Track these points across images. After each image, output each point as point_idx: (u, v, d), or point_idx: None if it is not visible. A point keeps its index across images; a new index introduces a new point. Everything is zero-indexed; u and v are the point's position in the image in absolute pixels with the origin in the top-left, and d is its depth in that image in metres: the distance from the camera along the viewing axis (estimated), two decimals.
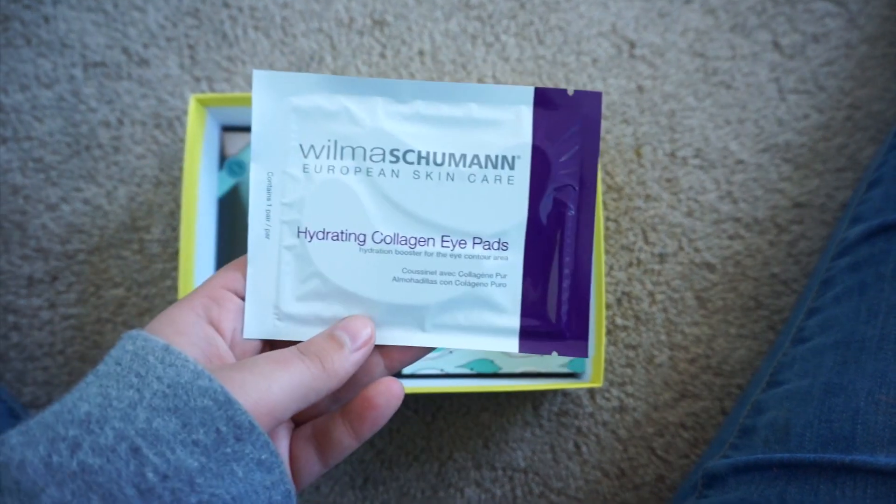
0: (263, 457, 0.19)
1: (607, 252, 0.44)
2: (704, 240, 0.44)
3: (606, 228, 0.44)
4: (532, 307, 0.24)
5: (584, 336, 0.25)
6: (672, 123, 0.45)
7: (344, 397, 0.25)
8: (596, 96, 0.24)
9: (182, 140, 0.45)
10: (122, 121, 0.45)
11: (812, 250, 0.44)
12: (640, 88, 0.46)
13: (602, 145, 0.45)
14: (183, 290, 0.37)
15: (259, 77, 0.24)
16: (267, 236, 0.24)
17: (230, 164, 0.43)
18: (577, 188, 0.24)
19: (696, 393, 0.43)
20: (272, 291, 0.24)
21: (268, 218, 0.24)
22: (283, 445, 0.24)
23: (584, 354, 0.25)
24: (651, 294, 0.44)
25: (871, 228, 0.36)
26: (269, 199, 0.24)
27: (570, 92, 0.24)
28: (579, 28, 0.46)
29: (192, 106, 0.39)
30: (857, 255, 0.36)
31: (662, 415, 0.43)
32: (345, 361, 0.22)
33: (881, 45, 0.46)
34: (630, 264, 0.44)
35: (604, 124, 0.45)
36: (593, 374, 0.38)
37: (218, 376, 0.20)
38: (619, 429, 0.43)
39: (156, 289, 0.44)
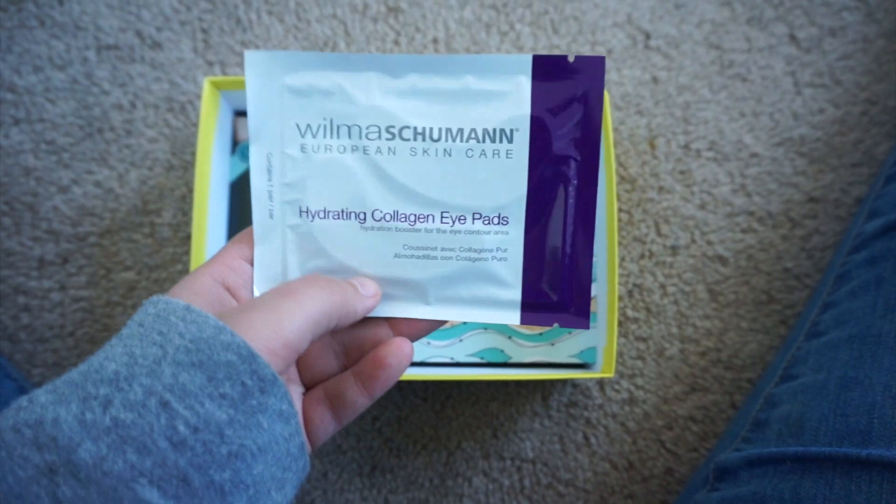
0: (283, 407, 0.20)
1: (619, 244, 0.44)
2: (717, 233, 0.44)
3: (619, 220, 0.44)
4: (533, 280, 0.24)
5: (585, 307, 0.24)
6: (686, 115, 0.45)
7: (352, 362, 0.25)
8: (599, 61, 0.23)
9: (194, 124, 0.44)
10: (135, 104, 0.45)
11: (826, 245, 0.44)
12: (655, 80, 0.45)
13: (615, 136, 0.45)
14: None
15: (251, 58, 0.23)
16: (271, 216, 0.24)
17: (242, 148, 0.43)
18: (578, 160, 0.24)
19: (706, 386, 0.43)
20: (279, 270, 0.24)
21: (270, 198, 0.24)
22: (296, 407, 0.24)
23: (586, 326, 0.25)
24: (663, 286, 0.44)
25: (889, 223, 0.36)
26: (270, 180, 0.24)
27: (571, 58, 0.23)
28: (594, 18, 0.46)
29: (206, 88, 0.38)
30: (873, 249, 0.36)
31: (672, 408, 0.43)
32: (356, 299, 0.23)
33: None
34: (642, 256, 0.44)
35: (618, 115, 0.45)
36: (605, 364, 0.38)
37: (227, 320, 0.20)
38: (629, 421, 0.43)
39: (166, 273, 0.44)
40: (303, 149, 0.24)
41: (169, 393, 0.18)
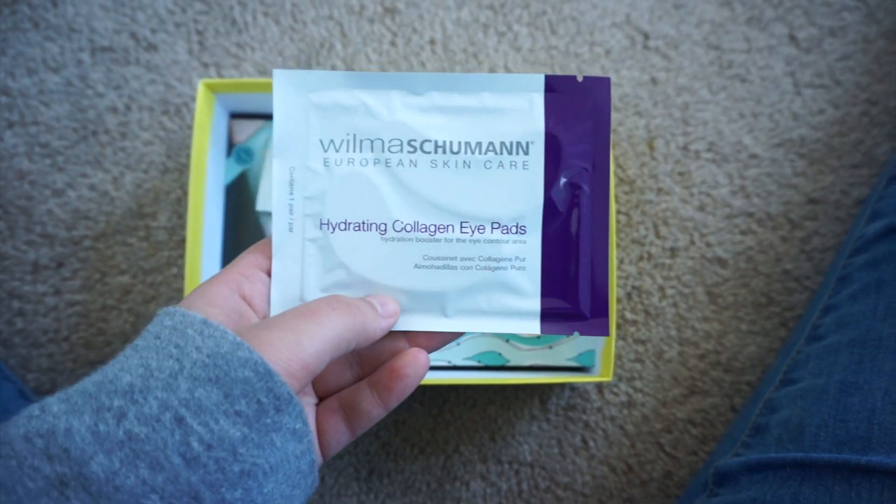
0: (297, 426, 0.20)
1: (618, 246, 0.44)
2: (716, 234, 0.44)
3: (617, 222, 0.44)
4: (552, 289, 0.25)
5: (604, 314, 0.25)
6: (685, 116, 0.45)
7: (367, 373, 0.25)
8: (605, 82, 0.25)
9: (189, 127, 0.44)
10: (130, 106, 0.44)
11: (825, 247, 0.44)
12: (654, 80, 0.45)
13: (614, 137, 0.44)
14: (189, 278, 0.37)
15: (279, 76, 0.25)
16: (291, 230, 0.25)
17: (238, 151, 0.43)
18: (590, 170, 0.25)
19: (705, 389, 0.43)
20: (297, 283, 0.25)
21: (291, 212, 0.25)
22: (310, 420, 0.24)
23: (606, 333, 0.25)
24: (661, 289, 0.44)
25: (891, 225, 0.35)
26: (291, 194, 0.25)
27: (580, 78, 0.25)
28: (593, 18, 0.45)
29: (201, 91, 0.38)
30: (875, 251, 0.36)
31: (671, 411, 0.43)
32: (375, 321, 0.23)
33: None
34: (641, 258, 0.44)
35: (616, 116, 0.45)
36: (603, 368, 0.38)
37: (246, 337, 0.20)
38: (627, 424, 0.43)
39: (162, 276, 0.43)
40: (325, 163, 0.25)
41: (184, 408, 0.18)
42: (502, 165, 0.25)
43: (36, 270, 0.43)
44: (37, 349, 0.43)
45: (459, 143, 0.25)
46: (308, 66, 0.45)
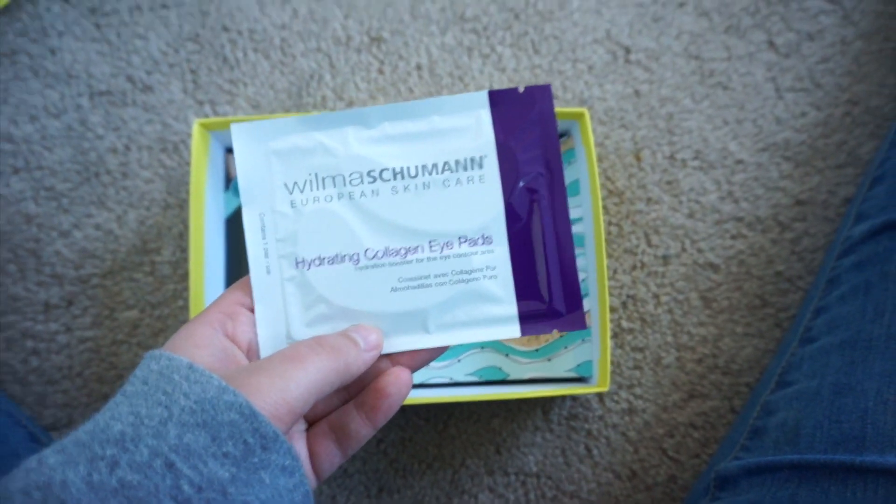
0: (287, 462, 0.20)
1: (610, 256, 0.45)
2: (707, 240, 0.45)
3: (609, 233, 0.45)
4: (526, 292, 0.26)
5: (579, 308, 0.26)
6: (670, 126, 0.46)
7: (353, 395, 0.26)
8: (546, 89, 0.26)
9: (188, 162, 0.45)
10: (129, 147, 0.46)
11: (815, 247, 0.44)
12: (637, 93, 0.46)
13: (601, 150, 0.45)
14: (194, 310, 0.38)
15: (237, 129, 0.26)
16: (268, 272, 0.26)
17: (235, 184, 0.44)
18: (545, 174, 0.26)
19: (704, 393, 0.44)
20: (282, 322, 0.25)
21: (266, 255, 0.26)
22: (300, 447, 0.25)
23: (584, 327, 0.26)
24: (656, 296, 0.44)
25: (875, 226, 0.36)
26: (264, 238, 0.26)
27: (521, 89, 0.25)
28: (574, 36, 0.46)
29: (196, 130, 0.39)
30: (861, 253, 0.36)
31: (672, 415, 0.43)
32: (358, 358, 0.23)
33: (876, 41, 0.46)
34: (634, 267, 0.45)
35: (602, 129, 0.46)
36: (600, 378, 0.39)
37: (234, 382, 0.21)
38: (630, 431, 0.43)
39: (168, 309, 0.45)
40: (292, 204, 0.26)
41: (174, 454, 0.19)
42: (460, 182, 0.25)
43: (47, 310, 0.44)
44: (52, 386, 0.44)
45: (416, 167, 0.25)
46: (299, 98, 0.46)
